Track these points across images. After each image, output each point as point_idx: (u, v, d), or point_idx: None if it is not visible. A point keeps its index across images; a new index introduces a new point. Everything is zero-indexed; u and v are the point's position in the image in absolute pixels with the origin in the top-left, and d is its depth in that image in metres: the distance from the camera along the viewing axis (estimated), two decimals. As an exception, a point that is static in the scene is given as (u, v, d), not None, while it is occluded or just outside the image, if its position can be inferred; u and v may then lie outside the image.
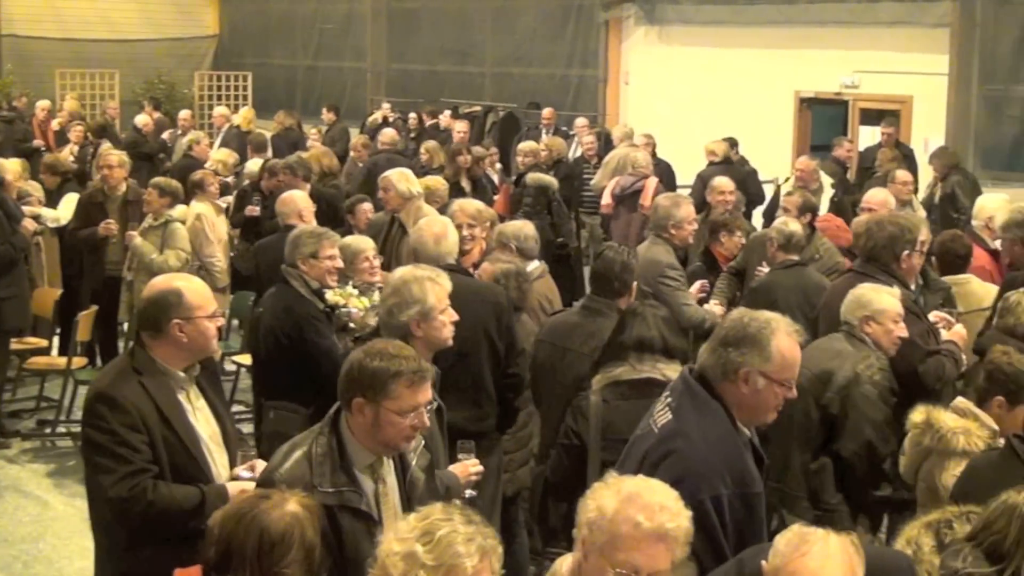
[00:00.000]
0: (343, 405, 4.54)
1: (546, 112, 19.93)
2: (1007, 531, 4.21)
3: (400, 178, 10.08)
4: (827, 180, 14.10)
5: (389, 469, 4.63)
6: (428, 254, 7.23)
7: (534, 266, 8.32)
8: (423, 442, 4.77)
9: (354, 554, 4.35)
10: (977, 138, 17.57)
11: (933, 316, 7.48)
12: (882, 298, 6.66)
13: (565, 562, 3.85)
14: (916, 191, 13.79)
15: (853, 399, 6.37)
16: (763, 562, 3.59)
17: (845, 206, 13.11)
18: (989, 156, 17.55)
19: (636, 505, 3.59)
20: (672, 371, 5.68)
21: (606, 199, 13.95)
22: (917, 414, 5.64)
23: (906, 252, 7.46)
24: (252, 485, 4.98)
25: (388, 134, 16.77)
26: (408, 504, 4.56)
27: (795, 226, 8.92)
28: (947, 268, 8.62)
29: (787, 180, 14.70)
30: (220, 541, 3.80)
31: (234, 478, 5.19)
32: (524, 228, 8.54)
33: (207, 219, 11.65)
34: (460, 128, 17.95)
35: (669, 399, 4.66)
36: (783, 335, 4.54)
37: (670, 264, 8.88)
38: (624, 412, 5.65)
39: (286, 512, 3.80)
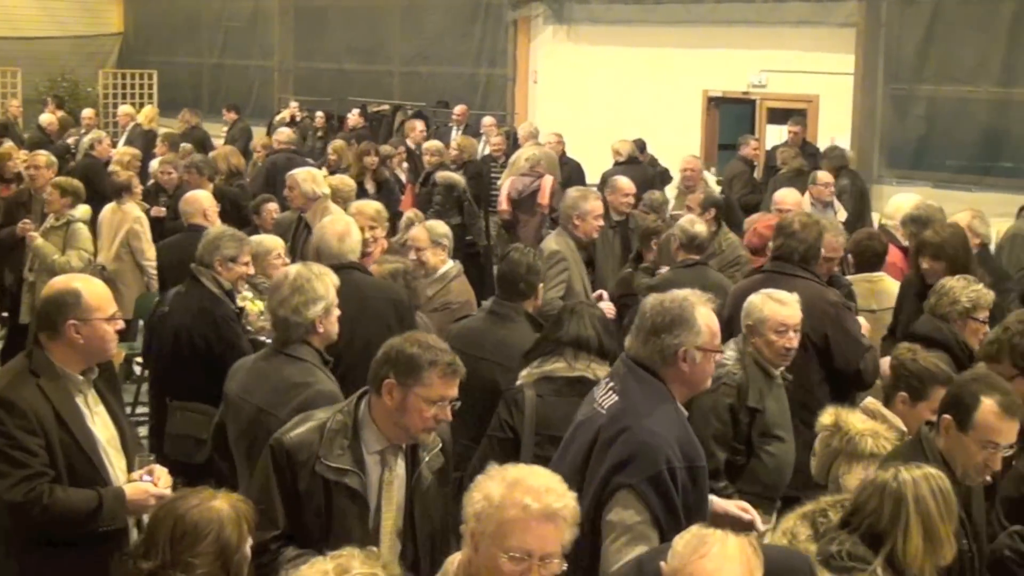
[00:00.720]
0: (372, 386, 4.66)
1: (458, 109, 19.92)
2: (880, 510, 4.30)
3: (306, 178, 9.96)
4: (711, 178, 14.18)
5: (400, 460, 4.71)
6: (331, 252, 7.21)
7: (450, 265, 8.32)
8: (440, 445, 4.82)
9: (341, 532, 4.46)
10: (882, 137, 17.78)
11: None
12: (765, 306, 6.38)
13: (453, 561, 3.86)
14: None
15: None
16: (662, 563, 3.61)
17: (732, 205, 13.16)
18: (894, 155, 17.76)
19: (521, 488, 3.63)
20: (604, 372, 5.71)
21: (503, 204, 13.89)
22: (826, 416, 5.56)
23: (823, 251, 7.56)
24: (151, 487, 4.94)
25: (285, 133, 16.64)
26: (411, 500, 4.69)
27: (700, 226, 8.90)
28: (863, 266, 8.68)
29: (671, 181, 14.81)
30: (148, 528, 3.88)
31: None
32: (445, 227, 8.59)
33: (144, 222, 11.50)
34: (419, 127, 17.83)
35: (612, 384, 4.81)
36: (702, 307, 4.80)
37: (553, 252, 8.76)
38: (559, 409, 5.67)
39: (208, 506, 3.84)
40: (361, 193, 12.27)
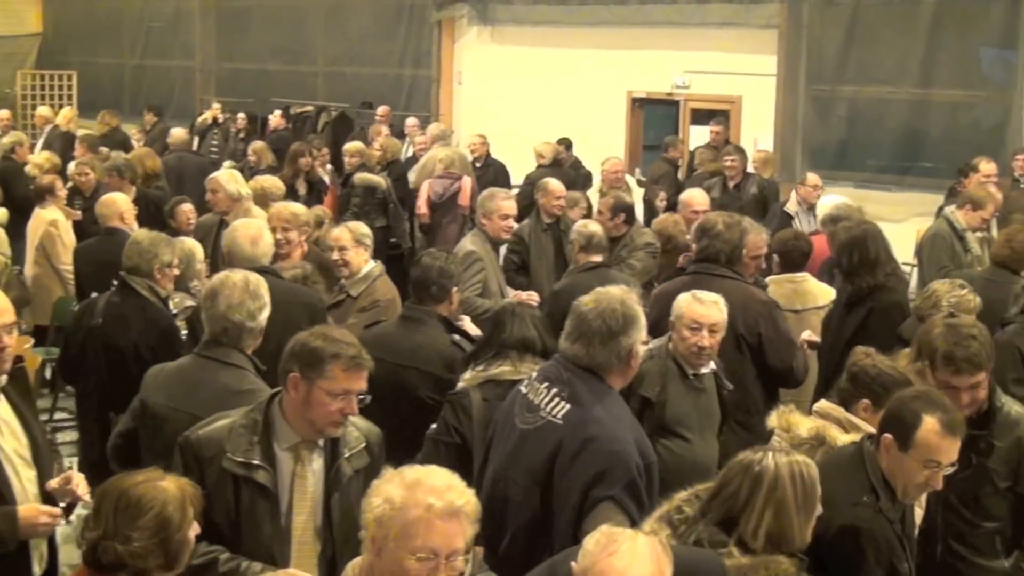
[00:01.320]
0: (281, 380, 4.66)
1: (381, 110, 19.85)
2: (739, 490, 4.29)
3: (228, 179, 9.87)
4: (631, 180, 14.20)
5: (316, 456, 4.67)
6: (244, 256, 7.15)
7: (372, 265, 8.27)
8: (364, 443, 4.77)
9: (250, 528, 4.53)
10: (805, 137, 17.87)
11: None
12: (684, 303, 6.36)
13: (354, 566, 3.89)
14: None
15: None
16: (573, 563, 3.62)
17: (652, 207, 13.18)
18: (816, 155, 17.85)
19: (423, 489, 3.65)
20: None
21: (422, 208, 13.84)
22: (804, 428, 5.33)
23: (746, 250, 7.52)
24: (46, 507, 4.81)
25: (176, 134, 16.59)
26: (329, 498, 4.65)
27: (595, 227, 8.87)
28: (788, 266, 8.70)
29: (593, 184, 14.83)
30: (95, 500, 3.96)
31: (47, 492, 4.93)
32: (366, 227, 8.53)
33: (61, 226, 11.33)
34: (385, 131, 17.63)
35: (557, 390, 4.86)
36: (637, 303, 4.94)
37: (468, 252, 8.80)
38: None
39: (154, 484, 3.89)
40: (291, 194, 12.16)
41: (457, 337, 6.64)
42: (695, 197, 10.32)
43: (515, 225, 9.39)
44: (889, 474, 4.82)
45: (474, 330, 7.13)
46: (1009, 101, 16.05)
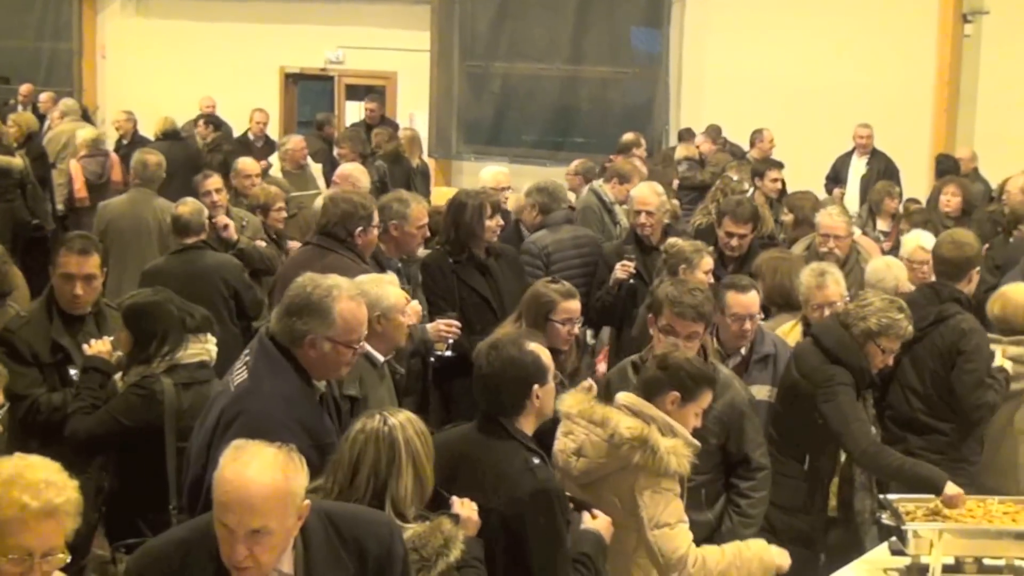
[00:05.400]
0: None
1: (23, 89, 19.08)
2: (379, 460, 4.24)
3: None
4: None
5: None
6: None
7: (-3, 253, 7.74)
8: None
9: None
10: (460, 113, 18.07)
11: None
12: (387, 292, 5.91)
13: None
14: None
15: None
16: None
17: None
18: (471, 131, 18.08)
19: (19, 486, 3.48)
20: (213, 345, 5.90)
21: (81, 191, 13.51)
22: (628, 429, 5.10)
23: (360, 228, 7.24)
24: None
25: None
26: None
27: (184, 209, 8.62)
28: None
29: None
30: None
31: None
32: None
33: None
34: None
35: (247, 358, 4.83)
36: (346, 301, 4.76)
37: None
38: (195, 396, 5.62)
39: None
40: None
41: None
42: (352, 172, 9.98)
43: None
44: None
45: None
46: (656, 77, 16.58)
